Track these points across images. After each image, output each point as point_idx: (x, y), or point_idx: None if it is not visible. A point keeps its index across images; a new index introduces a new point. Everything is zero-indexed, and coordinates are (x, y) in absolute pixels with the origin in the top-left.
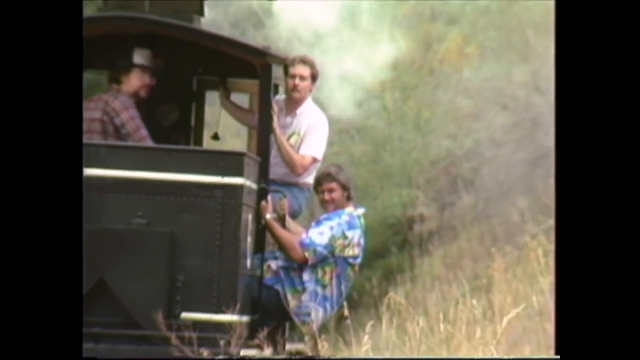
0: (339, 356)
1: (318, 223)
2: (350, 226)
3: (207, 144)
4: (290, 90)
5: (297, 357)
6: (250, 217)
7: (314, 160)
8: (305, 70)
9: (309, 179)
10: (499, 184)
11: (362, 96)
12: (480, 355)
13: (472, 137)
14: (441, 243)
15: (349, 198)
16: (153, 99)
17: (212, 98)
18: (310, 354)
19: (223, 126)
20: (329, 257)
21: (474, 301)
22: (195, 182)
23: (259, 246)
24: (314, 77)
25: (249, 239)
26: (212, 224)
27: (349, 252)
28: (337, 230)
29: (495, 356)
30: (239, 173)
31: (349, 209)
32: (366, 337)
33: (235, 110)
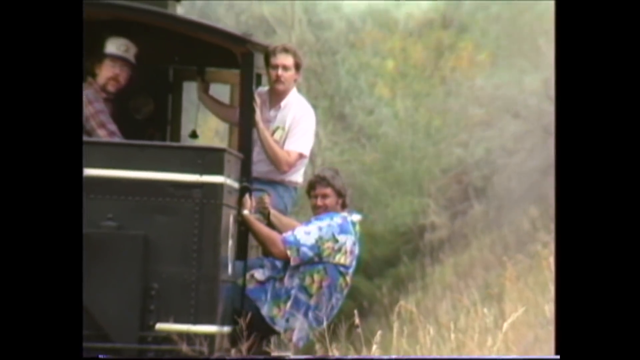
0: (337, 355)
1: (307, 222)
2: (342, 230)
3: (185, 139)
4: (273, 82)
5: (299, 356)
6: (231, 219)
7: (301, 156)
8: (288, 60)
9: (296, 177)
10: (511, 192)
11: (373, 104)
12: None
13: (483, 146)
14: (452, 251)
15: (343, 205)
16: (126, 91)
17: (191, 89)
18: None
19: (204, 123)
20: (317, 262)
21: (486, 310)
22: (171, 181)
23: (242, 251)
24: (297, 66)
25: (231, 243)
26: (190, 227)
27: (339, 258)
28: (326, 231)
29: (496, 356)
30: (219, 171)
31: (344, 213)
32: (374, 347)
33: (214, 105)
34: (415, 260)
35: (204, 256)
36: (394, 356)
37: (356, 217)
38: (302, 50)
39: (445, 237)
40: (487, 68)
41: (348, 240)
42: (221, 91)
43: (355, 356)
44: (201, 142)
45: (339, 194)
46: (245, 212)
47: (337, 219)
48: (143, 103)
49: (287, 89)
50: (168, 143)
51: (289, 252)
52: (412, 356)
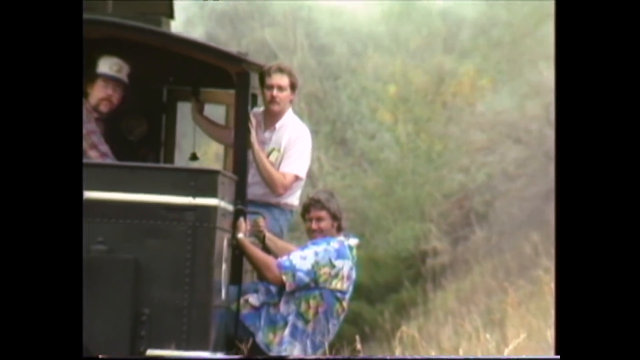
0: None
1: (303, 247)
2: (340, 255)
3: (180, 160)
4: (268, 102)
5: (300, 356)
6: (225, 242)
7: (296, 178)
8: (283, 80)
9: (292, 200)
10: (512, 217)
11: (375, 129)
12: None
13: (485, 171)
14: (454, 277)
15: (339, 229)
16: (118, 111)
17: (185, 110)
18: None
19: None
20: (313, 287)
21: (488, 335)
22: (163, 203)
23: (236, 276)
24: (293, 87)
25: (224, 267)
26: (182, 250)
27: (336, 284)
28: (322, 256)
29: (496, 356)
30: (213, 193)
31: (340, 237)
32: None
33: (208, 126)
34: (417, 286)
35: (196, 281)
36: (396, 356)
37: (353, 242)
38: (303, 75)
39: (447, 263)
40: (489, 93)
41: (345, 266)
42: (216, 112)
43: (354, 356)
44: (202, 164)
45: (334, 217)
46: (240, 235)
47: (334, 244)
48: (136, 124)
49: (283, 109)
50: (160, 165)
51: (284, 277)
52: (414, 356)
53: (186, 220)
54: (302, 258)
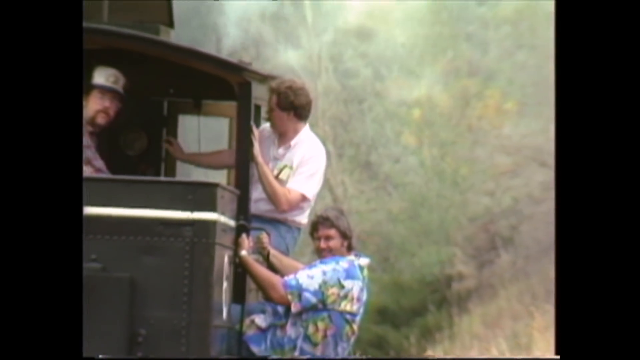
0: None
1: (311, 266)
2: (349, 275)
3: (180, 175)
4: (272, 126)
5: (300, 356)
6: (226, 259)
7: (303, 197)
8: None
9: (300, 218)
10: (538, 241)
11: (400, 152)
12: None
13: (510, 194)
14: (480, 301)
15: (349, 248)
16: (117, 125)
17: (187, 123)
18: None
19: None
20: (321, 308)
21: None
22: (160, 218)
23: (239, 295)
24: (284, 106)
25: (225, 285)
26: (180, 268)
27: (345, 306)
28: (331, 276)
29: (496, 356)
30: (212, 207)
31: (351, 256)
32: None
33: (201, 158)
34: (442, 310)
35: (195, 300)
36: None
37: (364, 261)
38: (328, 98)
39: (472, 287)
40: (514, 116)
41: (355, 286)
42: (218, 125)
43: (361, 356)
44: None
45: (344, 236)
46: (243, 252)
47: (344, 263)
48: (135, 138)
49: (286, 131)
50: (156, 178)
51: (289, 297)
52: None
53: (184, 235)
54: (309, 277)
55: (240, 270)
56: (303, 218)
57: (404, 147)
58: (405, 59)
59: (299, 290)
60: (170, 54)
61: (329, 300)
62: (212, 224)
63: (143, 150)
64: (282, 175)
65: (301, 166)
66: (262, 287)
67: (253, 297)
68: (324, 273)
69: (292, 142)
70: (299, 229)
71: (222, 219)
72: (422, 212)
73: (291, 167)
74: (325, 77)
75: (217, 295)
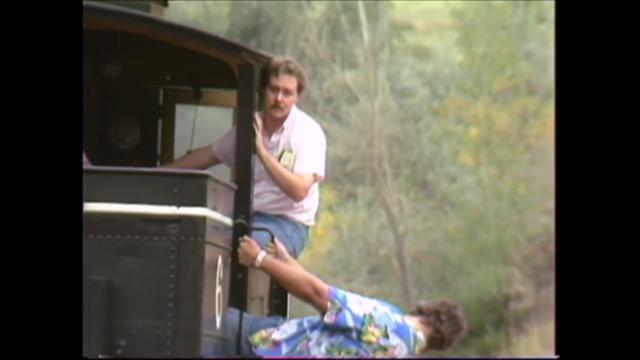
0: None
1: (363, 296)
2: (399, 332)
3: None
4: (271, 107)
5: (300, 356)
6: (220, 261)
7: (315, 176)
8: (291, 83)
9: (307, 216)
10: None
11: (457, 171)
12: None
13: None
14: (538, 321)
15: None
16: (107, 115)
17: (184, 113)
18: None
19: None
20: (353, 338)
21: None
22: (142, 214)
23: (238, 302)
24: (300, 89)
25: (219, 290)
26: (165, 270)
27: (378, 353)
28: (380, 317)
29: (496, 356)
30: (201, 202)
31: (414, 322)
32: None
33: (191, 160)
34: (500, 330)
35: (182, 306)
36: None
37: (420, 335)
38: (384, 117)
39: (530, 307)
40: None
41: (399, 347)
42: (221, 115)
43: (365, 356)
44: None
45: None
46: (262, 254)
47: (397, 317)
48: (127, 130)
49: (285, 115)
50: (137, 168)
51: (329, 305)
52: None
53: (169, 233)
54: (358, 302)
55: (241, 275)
56: (311, 216)
57: (461, 166)
58: (462, 77)
59: (342, 305)
60: (160, 32)
61: (365, 337)
62: (201, 220)
63: (136, 144)
64: (283, 162)
65: (302, 146)
66: (292, 285)
67: (256, 308)
68: (375, 309)
69: (285, 125)
70: (306, 228)
71: (214, 215)
72: (480, 231)
73: (290, 151)
74: (381, 96)
75: (208, 301)
